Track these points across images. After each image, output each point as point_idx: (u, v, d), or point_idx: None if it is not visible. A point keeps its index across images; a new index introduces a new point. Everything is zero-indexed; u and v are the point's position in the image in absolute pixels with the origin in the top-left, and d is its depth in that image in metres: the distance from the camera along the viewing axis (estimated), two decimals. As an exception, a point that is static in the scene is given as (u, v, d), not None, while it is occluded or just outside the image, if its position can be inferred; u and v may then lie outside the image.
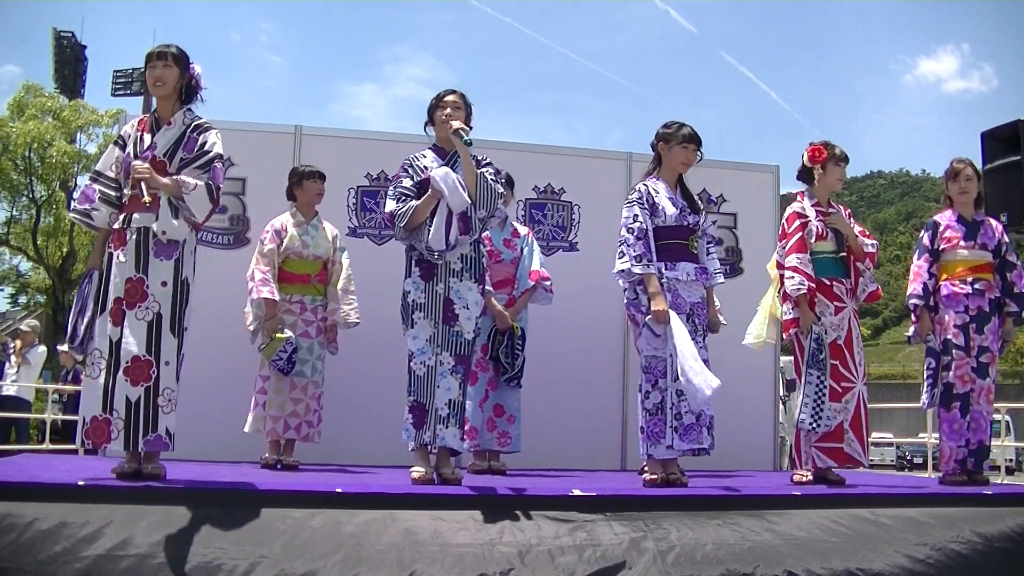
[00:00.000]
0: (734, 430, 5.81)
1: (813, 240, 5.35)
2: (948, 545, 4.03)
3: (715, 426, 4.75)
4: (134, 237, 4.13)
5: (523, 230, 6.32)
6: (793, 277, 5.22)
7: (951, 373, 5.38)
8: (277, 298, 5.76)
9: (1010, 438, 13.30)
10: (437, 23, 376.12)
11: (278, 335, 5.65)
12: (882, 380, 50.70)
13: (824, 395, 5.16)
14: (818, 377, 5.16)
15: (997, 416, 10.85)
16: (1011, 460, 19.66)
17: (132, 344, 4.04)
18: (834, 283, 5.32)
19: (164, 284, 4.12)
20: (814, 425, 5.14)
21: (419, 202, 4.51)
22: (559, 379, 6.85)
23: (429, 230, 4.44)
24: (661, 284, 4.75)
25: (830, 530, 3.96)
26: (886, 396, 28.06)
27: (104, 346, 4.09)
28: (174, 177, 4.16)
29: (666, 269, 4.79)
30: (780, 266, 5.40)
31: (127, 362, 4.03)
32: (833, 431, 5.22)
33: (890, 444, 26.43)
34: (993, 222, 5.68)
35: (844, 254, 5.38)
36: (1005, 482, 7.88)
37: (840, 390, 5.23)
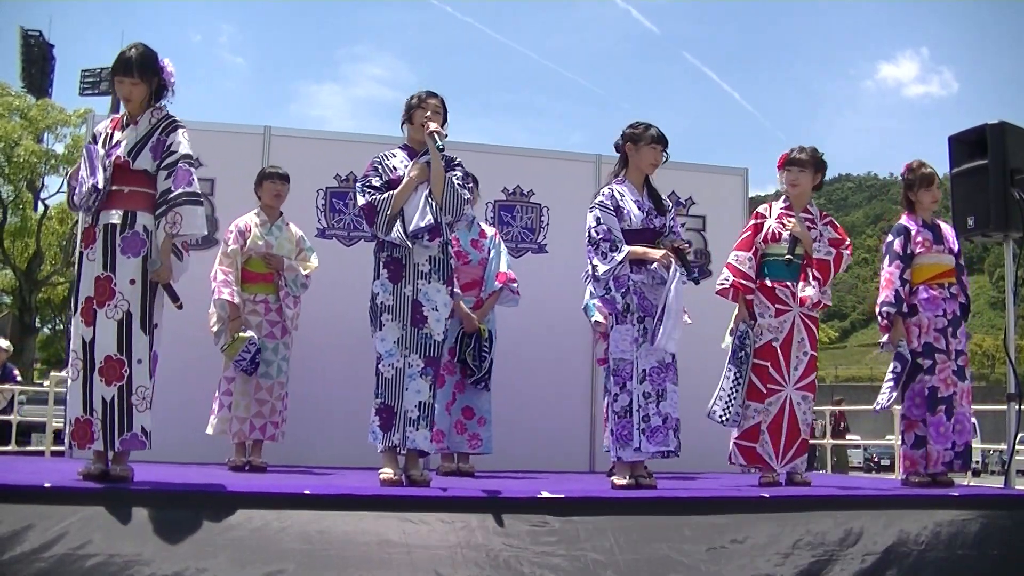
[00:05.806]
0: (702, 432, 5.80)
1: (764, 242, 5.42)
2: (914, 546, 4.06)
3: (683, 428, 4.77)
4: (101, 235, 4.10)
5: (490, 231, 6.33)
6: (723, 272, 5.46)
7: (935, 377, 5.39)
8: (237, 300, 5.78)
9: (976, 440, 13.37)
10: (396, 22, 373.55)
11: (240, 335, 5.66)
12: (849, 383, 51.14)
13: (738, 391, 5.23)
14: (735, 373, 5.25)
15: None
16: (977, 462, 19.87)
17: (104, 343, 4.02)
18: (777, 286, 5.35)
19: (132, 282, 4.07)
20: (724, 417, 5.24)
21: (396, 191, 4.54)
22: (527, 381, 6.86)
23: (402, 218, 4.48)
24: (628, 287, 4.76)
25: (797, 531, 3.99)
26: (853, 399, 28.24)
27: (79, 347, 4.07)
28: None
29: (632, 272, 4.79)
30: None
31: (101, 362, 4.01)
32: (750, 430, 5.29)
33: (857, 446, 26.64)
34: (945, 225, 5.74)
35: (791, 258, 5.32)
36: (971, 484, 7.94)
37: (764, 391, 5.27)
